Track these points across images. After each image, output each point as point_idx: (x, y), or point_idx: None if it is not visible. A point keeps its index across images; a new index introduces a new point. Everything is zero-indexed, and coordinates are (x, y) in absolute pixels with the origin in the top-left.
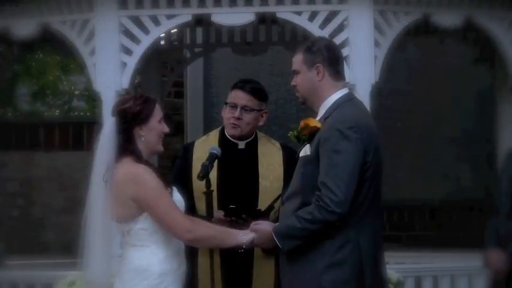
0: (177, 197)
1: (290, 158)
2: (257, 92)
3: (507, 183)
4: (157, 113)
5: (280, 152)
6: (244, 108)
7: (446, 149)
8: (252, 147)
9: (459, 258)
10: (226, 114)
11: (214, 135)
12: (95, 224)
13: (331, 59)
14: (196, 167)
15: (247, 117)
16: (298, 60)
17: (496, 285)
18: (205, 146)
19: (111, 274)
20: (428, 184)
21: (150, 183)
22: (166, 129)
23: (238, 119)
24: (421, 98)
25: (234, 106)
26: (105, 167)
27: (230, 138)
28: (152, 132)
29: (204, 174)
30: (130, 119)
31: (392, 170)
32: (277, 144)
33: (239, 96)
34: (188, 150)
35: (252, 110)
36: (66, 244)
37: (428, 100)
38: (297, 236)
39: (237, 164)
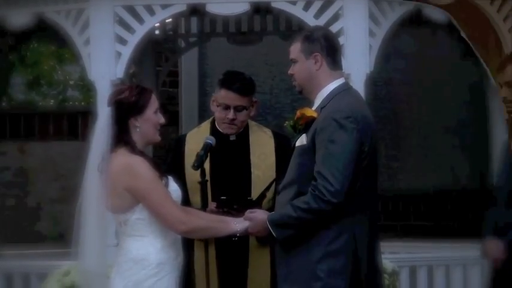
0: (174, 187)
1: (282, 145)
2: (246, 89)
3: (505, 172)
4: (153, 103)
5: (272, 140)
6: (237, 109)
7: (441, 139)
8: (244, 137)
9: (454, 248)
10: (219, 114)
11: (205, 127)
12: (89, 213)
13: (329, 48)
14: (190, 159)
15: (241, 115)
16: (296, 49)
17: (495, 274)
18: (197, 138)
19: (106, 264)
20: (423, 174)
21: (145, 174)
22: (162, 120)
23: (233, 119)
24: (416, 88)
25: (227, 107)
26: (100, 157)
27: (220, 129)
28: (148, 123)
29: (199, 164)
30: (126, 109)
31: (388, 160)
32: (269, 132)
33: (230, 97)
34: (180, 142)
35: (245, 108)
36: (61, 234)
37: (424, 90)
38: (291, 225)
39: (229, 154)
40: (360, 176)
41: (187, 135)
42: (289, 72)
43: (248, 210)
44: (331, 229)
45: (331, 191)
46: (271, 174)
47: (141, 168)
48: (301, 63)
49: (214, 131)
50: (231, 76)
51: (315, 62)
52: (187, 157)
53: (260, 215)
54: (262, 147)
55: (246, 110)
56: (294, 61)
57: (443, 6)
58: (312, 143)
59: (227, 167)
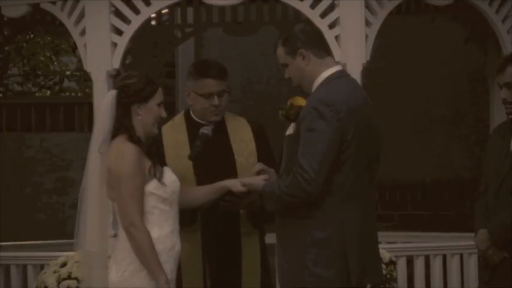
0: (172, 177)
1: (258, 131)
2: (223, 72)
3: (494, 161)
4: (159, 96)
5: (248, 127)
6: (219, 94)
7: (439, 128)
8: (221, 126)
9: (451, 237)
10: (202, 104)
11: (180, 120)
12: (90, 200)
13: (310, 39)
14: (169, 152)
15: (224, 100)
16: (281, 53)
17: (486, 264)
18: (173, 131)
19: (107, 254)
20: (421, 163)
21: (128, 165)
22: (163, 114)
23: (218, 105)
24: (413, 77)
25: (210, 95)
26: (102, 139)
27: (198, 120)
28: (149, 114)
29: (196, 155)
30: (131, 94)
31: (385, 149)
32: (244, 120)
33: (211, 84)
34: (156, 136)
35: (225, 91)
36: (57, 224)
37: (421, 79)
38: (275, 201)
39: (210, 144)
40: (344, 165)
41: (163, 128)
42: (285, 76)
43: (246, 178)
44: (317, 218)
45: (308, 180)
46: (254, 160)
47: (128, 156)
48: (291, 64)
49: (189, 124)
50: (203, 64)
51: (303, 58)
52: (167, 149)
53: (257, 181)
54: (241, 135)
55: (226, 93)
56: (284, 65)
57: (442, 7)
58: (298, 131)
59: (210, 157)
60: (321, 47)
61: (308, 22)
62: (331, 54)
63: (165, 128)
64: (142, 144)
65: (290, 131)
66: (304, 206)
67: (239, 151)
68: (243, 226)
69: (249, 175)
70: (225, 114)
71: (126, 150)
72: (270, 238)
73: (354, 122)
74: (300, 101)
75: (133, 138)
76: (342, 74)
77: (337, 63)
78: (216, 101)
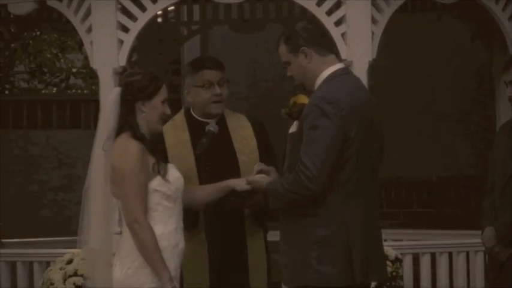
0: (176, 175)
1: (258, 128)
2: (220, 63)
3: (500, 159)
4: (163, 93)
5: (249, 124)
6: (219, 83)
7: (444, 126)
8: (222, 123)
9: (457, 235)
10: (204, 95)
11: (180, 119)
12: (95, 197)
13: (312, 37)
14: (172, 151)
15: (224, 89)
16: (283, 51)
17: (493, 262)
18: (174, 130)
19: (111, 252)
20: (426, 161)
21: (131, 162)
22: (167, 111)
23: (220, 94)
24: (419, 75)
25: (211, 85)
26: (106, 136)
27: (199, 118)
28: (154, 111)
29: (202, 152)
30: (135, 92)
31: (390, 147)
32: (243, 117)
33: (210, 74)
34: (159, 135)
35: (225, 80)
36: (63, 222)
37: (427, 77)
38: (279, 199)
39: (212, 142)
40: (347, 163)
41: (164, 127)
42: (288, 74)
43: (250, 176)
44: (320, 215)
45: (310, 177)
46: (255, 157)
47: (132, 154)
48: (293, 62)
49: (190, 122)
50: (199, 59)
51: (305, 56)
52: (169, 148)
53: (261, 179)
54: (242, 132)
55: (226, 83)
56: (287, 63)
57: (448, 5)
58: (301, 129)
59: (213, 156)
60: (323, 45)
61: (313, 19)
62: (334, 52)
63: (166, 128)
64: (146, 141)
65: (293, 129)
66: (307, 203)
67: (241, 149)
68: (247, 225)
69: (252, 173)
70: (225, 111)
71: (130, 148)
72: (274, 236)
73: (356, 119)
74: (303, 99)
75: (137, 136)
76: (345, 72)
77: (341, 60)
78: (217, 89)
